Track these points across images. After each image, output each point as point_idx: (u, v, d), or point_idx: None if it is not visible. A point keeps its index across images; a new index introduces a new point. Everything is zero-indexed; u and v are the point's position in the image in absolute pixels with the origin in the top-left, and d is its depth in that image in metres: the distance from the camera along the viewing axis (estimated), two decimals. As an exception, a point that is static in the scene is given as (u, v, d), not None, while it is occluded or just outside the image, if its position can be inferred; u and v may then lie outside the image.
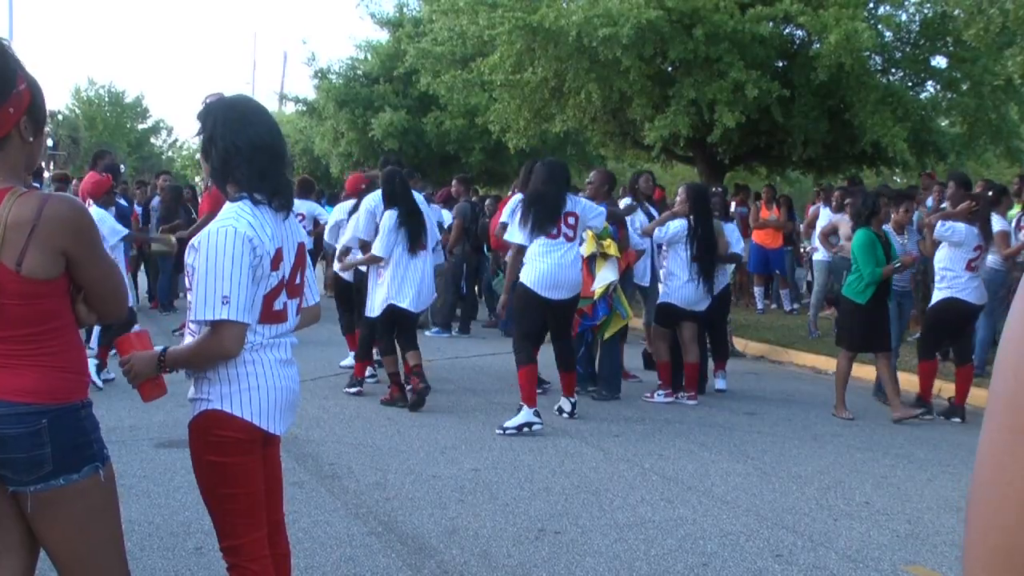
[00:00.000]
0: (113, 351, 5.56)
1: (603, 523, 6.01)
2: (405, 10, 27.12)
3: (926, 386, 9.76)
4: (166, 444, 7.49)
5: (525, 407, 8.38)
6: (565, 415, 8.88)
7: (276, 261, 3.38)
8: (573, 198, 8.94)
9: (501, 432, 8.24)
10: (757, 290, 17.75)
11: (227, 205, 3.39)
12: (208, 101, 3.50)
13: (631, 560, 5.37)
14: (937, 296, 9.67)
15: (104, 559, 3.07)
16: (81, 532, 2.99)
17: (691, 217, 9.90)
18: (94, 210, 8.65)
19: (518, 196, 9.79)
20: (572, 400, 8.95)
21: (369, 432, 8.24)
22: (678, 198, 10.21)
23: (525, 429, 8.27)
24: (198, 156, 3.53)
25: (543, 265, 8.55)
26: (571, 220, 8.69)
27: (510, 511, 6.19)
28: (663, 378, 10.05)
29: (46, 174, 15.73)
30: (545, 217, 8.57)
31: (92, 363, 9.25)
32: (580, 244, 8.90)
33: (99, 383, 9.34)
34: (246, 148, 3.39)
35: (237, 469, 3.36)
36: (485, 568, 5.20)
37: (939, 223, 9.72)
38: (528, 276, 8.60)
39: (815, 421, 9.27)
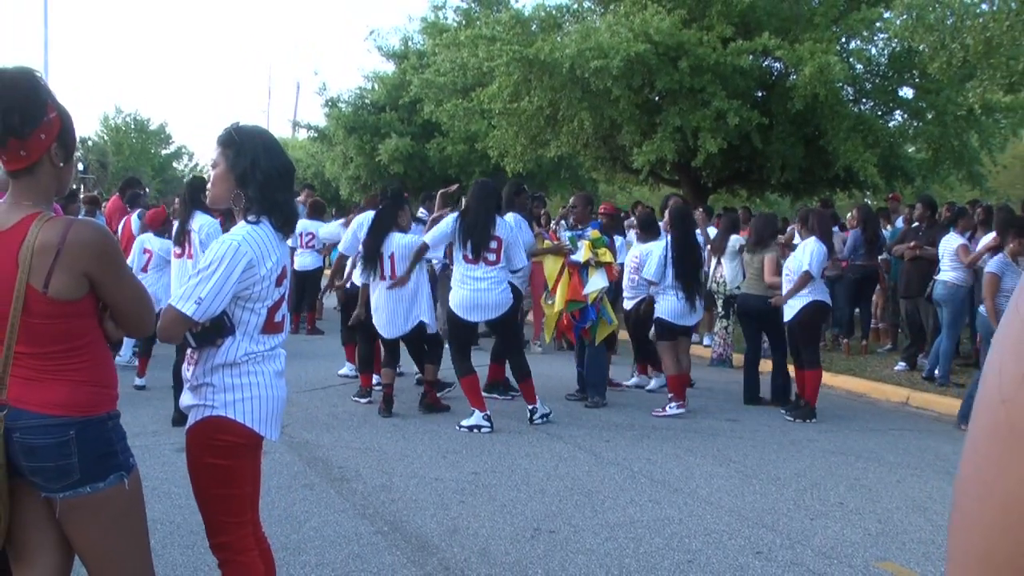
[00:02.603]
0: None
1: (595, 523, 5.99)
2: (410, 44, 27.18)
3: (816, 389, 9.72)
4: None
5: (476, 411, 8.62)
6: (540, 419, 8.91)
7: (280, 279, 3.45)
8: (500, 220, 8.89)
9: (459, 428, 8.56)
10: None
11: (241, 224, 3.41)
12: (237, 127, 3.52)
13: (621, 557, 5.36)
14: (802, 302, 9.51)
15: (130, 560, 3.06)
16: (107, 536, 2.98)
17: (674, 236, 9.96)
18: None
19: (511, 216, 9.75)
20: (534, 406, 8.96)
21: (376, 437, 8.22)
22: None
23: (475, 430, 8.53)
24: (212, 172, 3.50)
25: (463, 291, 8.78)
26: (493, 244, 8.71)
27: (508, 512, 6.17)
28: (674, 390, 9.75)
29: (81, 195, 15.66)
30: (477, 241, 8.67)
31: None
32: (501, 267, 8.78)
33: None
34: (284, 173, 3.49)
35: (235, 472, 3.39)
36: (484, 565, 5.18)
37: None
38: (453, 300, 8.86)
39: (792, 427, 9.26)
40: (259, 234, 3.38)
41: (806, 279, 9.44)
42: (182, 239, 8.95)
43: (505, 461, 7.53)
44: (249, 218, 3.41)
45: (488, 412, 8.65)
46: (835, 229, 14.12)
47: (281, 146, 3.61)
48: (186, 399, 3.45)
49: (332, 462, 7.31)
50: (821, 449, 8.34)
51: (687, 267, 9.84)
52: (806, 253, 9.53)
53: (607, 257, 9.63)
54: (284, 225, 3.49)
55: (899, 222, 14.34)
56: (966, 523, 0.74)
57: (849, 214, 14.24)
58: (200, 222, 8.70)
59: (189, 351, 3.43)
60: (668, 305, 9.90)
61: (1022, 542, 0.68)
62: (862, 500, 6.75)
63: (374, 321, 9.05)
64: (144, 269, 9.83)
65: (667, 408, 9.66)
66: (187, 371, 3.46)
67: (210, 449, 3.35)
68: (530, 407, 8.95)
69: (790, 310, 9.57)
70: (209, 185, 3.53)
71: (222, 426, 3.33)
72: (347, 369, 11.24)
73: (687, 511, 6.32)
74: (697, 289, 10.01)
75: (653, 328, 10.27)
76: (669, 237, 10.06)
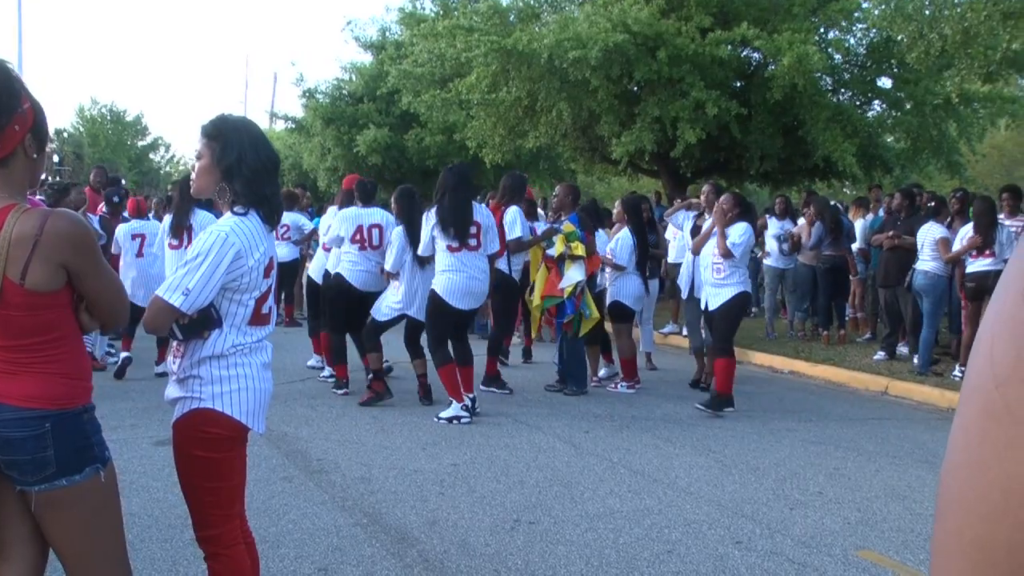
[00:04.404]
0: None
1: (574, 514, 6.01)
2: (387, 34, 27.09)
3: (729, 378, 9.52)
4: (164, 442, 7.43)
5: (454, 402, 8.60)
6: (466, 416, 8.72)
7: (268, 270, 3.45)
8: (477, 206, 8.93)
9: (437, 420, 8.54)
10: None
11: (228, 216, 3.40)
12: (223, 118, 3.51)
13: (601, 548, 5.37)
14: (731, 292, 9.36)
15: (106, 554, 3.05)
16: (83, 529, 2.97)
17: (632, 226, 10.57)
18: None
19: (515, 208, 9.77)
20: (471, 395, 8.85)
21: (355, 429, 8.22)
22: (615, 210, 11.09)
23: (454, 421, 8.50)
24: (196, 163, 3.49)
25: (455, 277, 8.64)
26: (472, 229, 8.71)
27: (487, 503, 6.18)
28: (628, 370, 10.52)
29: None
30: (461, 227, 8.63)
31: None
32: (485, 250, 8.82)
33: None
34: (270, 167, 3.49)
35: (222, 464, 3.39)
36: (464, 556, 5.19)
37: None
38: (442, 287, 8.68)
39: (772, 417, 9.30)
40: (247, 225, 3.37)
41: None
42: (179, 231, 9.47)
43: (484, 452, 7.54)
44: (237, 210, 3.41)
45: (466, 402, 8.64)
46: (785, 222, 14.38)
47: (267, 139, 3.60)
48: (172, 391, 3.43)
49: (311, 454, 7.30)
50: (800, 439, 8.38)
51: (644, 254, 10.59)
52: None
53: (580, 251, 9.66)
54: (270, 217, 3.50)
55: (880, 211, 14.42)
56: (957, 509, 0.73)
57: (805, 209, 14.26)
58: (202, 218, 9.12)
59: (175, 343, 3.42)
60: (629, 289, 10.51)
61: (1021, 525, 0.68)
62: (841, 489, 6.79)
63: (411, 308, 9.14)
64: (139, 254, 10.17)
65: (618, 386, 10.43)
66: (173, 364, 3.44)
67: (198, 442, 3.35)
68: (470, 396, 8.84)
69: (717, 299, 9.42)
70: (193, 176, 3.52)
71: (210, 418, 3.33)
72: (314, 361, 11.25)
73: (666, 501, 6.34)
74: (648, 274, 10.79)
75: (609, 312, 10.66)
76: (629, 227, 10.59)
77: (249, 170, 3.39)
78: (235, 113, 3.73)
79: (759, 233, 15.37)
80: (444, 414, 8.59)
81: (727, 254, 9.16)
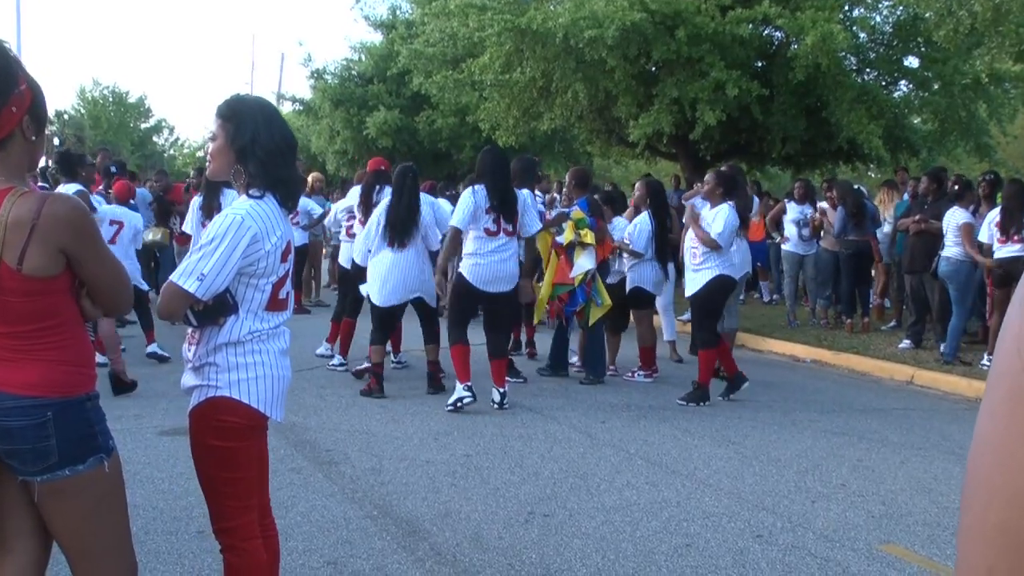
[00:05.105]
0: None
1: (590, 506, 6.01)
2: (398, 13, 27.10)
3: (710, 370, 9.44)
4: (169, 432, 7.47)
5: (459, 383, 8.58)
6: (495, 405, 8.68)
7: (285, 254, 3.46)
8: (518, 192, 8.94)
9: (447, 408, 8.53)
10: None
11: (244, 199, 3.40)
12: (238, 98, 3.53)
13: (617, 541, 5.38)
14: (706, 277, 9.20)
15: (110, 545, 3.06)
16: (87, 520, 2.98)
17: (653, 210, 10.56)
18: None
19: (525, 192, 9.73)
20: (501, 390, 8.74)
21: (364, 419, 8.23)
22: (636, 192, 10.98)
23: (459, 403, 8.49)
24: (210, 146, 3.49)
25: (484, 261, 8.63)
26: (512, 215, 8.74)
27: (501, 495, 6.19)
28: (647, 359, 10.50)
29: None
30: (507, 212, 8.64)
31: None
32: (518, 240, 8.89)
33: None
34: (286, 148, 3.47)
35: (239, 454, 3.38)
36: (477, 550, 5.20)
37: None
38: (469, 271, 8.69)
39: (794, 407, 9.28)
40: (263, 208, 3.37)
41: None
42: (210, 211, 9.70)
43: (498, 443, 7.54)
44: (252, 192, 3.40)
45: (470, 383, 8.58)
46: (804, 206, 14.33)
47: (283, 119, 3.59)
48: (187, 380, 3.44)
49: (320, 445, 7.31)
50: (823, 429, 8.37)
51: (664, 240, 10.48)
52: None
53: (589, 238, 9.65)
54: (287, 200, 3.49)
55: (905, 195, 14.35)
56: (983, 493, 0.73)
57: (828, 194, 14.17)
58: (232, 197, 9.28)
59: (190, 330, 3.42)
60: (648, 275, 10.46)
61: None
62: (865, 482, 6.78)
63: (375, 290, 9.15)
64: (112, 240, 10.03)
65: (636, 375, 10.42)
66: (188, 351, 3.45)
67: (214, 431, 3.34)
68: (500, 390, 8.77)
69: (694, 284, 9.32)
70: (208, 159, 3.53)
71: (226, 407, 3.33)
72: (323, 348, 11.24)
73: (685, 494, 6.34)
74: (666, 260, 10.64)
75: (629, 299, 10.62)
76: (649, 211, 10.53)
77: (263, 151, 3.38)
78: (251, 94, 3.74)
79: (777, 219, 15.37)
80: (451, 400, 8.59)
81: (713, 245, 9.09)
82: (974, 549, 0.74)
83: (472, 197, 8.55)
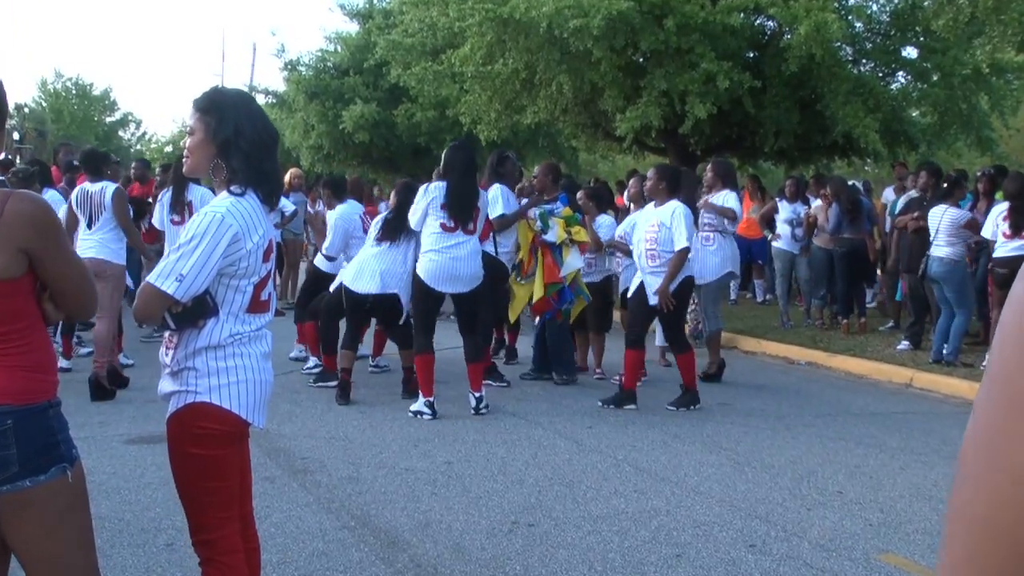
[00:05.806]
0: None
1: (576, 515, 6.02)
2: (375, 1, 27.09)
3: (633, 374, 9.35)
4: (136, 440, 7.44)
5: (421, 397, 8.60)
6: (472, 410, 8.69)
7: (267, 253, 3.45)
8: (482, 192, 9.01)
9: (410, 414, 8.59)
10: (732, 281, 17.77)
11: (224, 195, 3.39)
12: (218, 90, 3.52)
13: (605, 552, 5.38)
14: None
15: (73, 560, 3.03)
16: (49, 533, 2.95)
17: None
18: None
19: (498, 186, 9.77)
20: (477, 395, 8.74)
21: (341, 426, 8.22)
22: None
23: (418, 416, 8.52)
24: (188, 140, 3.47)
25: (438, 258, 8.55)
26: (473, 213, 8.72)
27: (483, 504, 6.19)
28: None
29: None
30: (466, 209, 8.60)
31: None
32: (476, 236, 8.79)
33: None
34: (269, 141, 3.47)
35: (219, 462, 3.37)
36: (459, 561, 5.20)
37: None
38: (424, 269, 8.61)
39: (788, 411, 9.31)
40: (244, 205, 3.36)
41: None
42: (180, 207, 9.88)
43: (480, 449, 7.54)
44: (233, 189, 3.39)
45: (433, 399, 8.57)
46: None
47: (264, 112, 3.59)
48: (165, 385, 3.42)
49: (295, 453, 7.30)
50: (818, 435, 8.39)
51: None
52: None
53: (582, 236, 9.69)
54: (270, 197, 3.48)
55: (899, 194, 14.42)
56: (971, 483, 0.76)
57: (822, 191, 14.21)
58: (200, 192, 9.42)
59: (167, 334, 3.41)
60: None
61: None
62: (863, 488, 6.80)
63: (350, 275, 9.20)
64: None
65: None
66: (165, 356, 3.43)
67: (193, 438, 3.32)
68: (476, 395, 8.77)
69: (654, 288, 9.03)
70: (186, 154, 3.50)
71: (206, 413, 3.31)
72: (296, 352, 11.23)
73: (675, 502, 6.35)
74: None
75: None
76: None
77: (248, 144, 3.37)
78: (229, 86, 3.75)
79: (768, 217, 15.42)
80: (412, 407, 8.61)
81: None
82: (958, 530, 0.78)
83: (424, 195, 8.62)
